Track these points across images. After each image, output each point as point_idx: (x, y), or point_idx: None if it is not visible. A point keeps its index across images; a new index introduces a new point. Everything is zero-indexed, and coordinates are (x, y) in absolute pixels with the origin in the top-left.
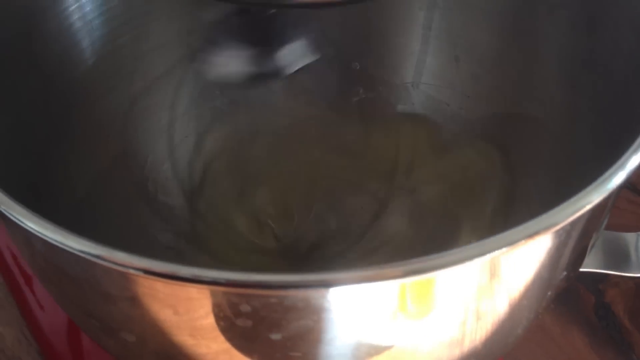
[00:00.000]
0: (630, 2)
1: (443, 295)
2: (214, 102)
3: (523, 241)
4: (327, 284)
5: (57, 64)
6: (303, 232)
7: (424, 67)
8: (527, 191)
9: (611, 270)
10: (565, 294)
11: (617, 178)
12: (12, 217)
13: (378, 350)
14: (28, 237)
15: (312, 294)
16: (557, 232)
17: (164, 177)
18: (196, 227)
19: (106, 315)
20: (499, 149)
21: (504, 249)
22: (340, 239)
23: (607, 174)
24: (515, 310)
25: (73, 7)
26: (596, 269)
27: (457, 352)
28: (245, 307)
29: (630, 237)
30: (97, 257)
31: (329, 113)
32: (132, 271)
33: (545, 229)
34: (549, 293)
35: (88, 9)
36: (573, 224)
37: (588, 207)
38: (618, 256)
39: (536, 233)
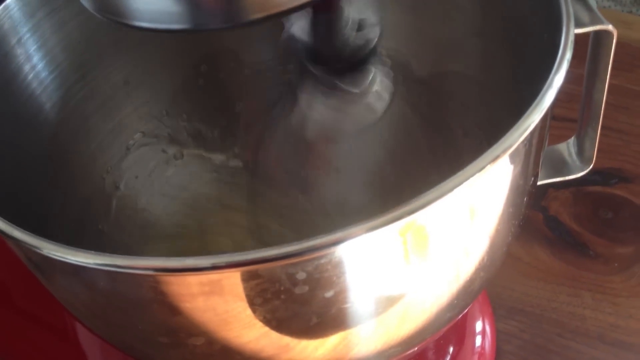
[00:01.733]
0: None
1: (437, 233)
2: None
3: (502, 155)
4: (367, 230)
5: (31, 130)
6: None
7: None
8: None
9: (557, 177)
10: None
11: (550, 95)
12: (76, 262)
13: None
14: (92, 277)
15: (354, 244)
16: (522, 142)
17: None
18: None
19: (175, 327)
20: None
21: (488, 166)
22: None
23: (540, 94)
24: (503, 224)
25: (30, 76)
26: (547, 179)
27: (454, 287)
28: (301, 275)
29: (562, 146)
30: (172, 269)
31: None
32: (204, 272)
33: (516, 138)
34: (526, 199)
35: (43, 75)
36: (532, 132)
37: (538, 118)
38: (557, 165)
39: (509, 147)
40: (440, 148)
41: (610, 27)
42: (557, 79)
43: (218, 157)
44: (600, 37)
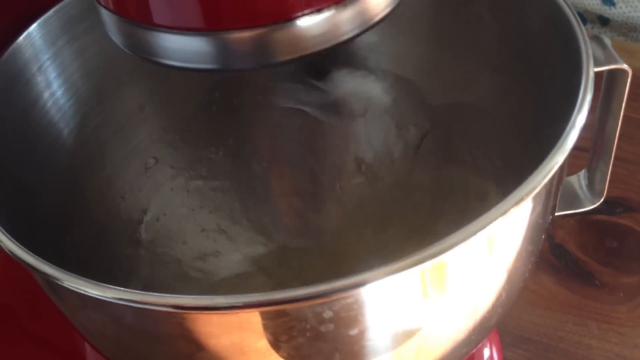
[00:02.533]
0: None
1: (458, 273)
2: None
3: (526, 198)
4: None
5: (49, 156)
6: None
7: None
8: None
9: (567, 210)
10: None
11: (572, 136)
12: (105, 299)
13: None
14: (119, 312)
15: (381, 285)
16: (545, 185)
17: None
18: None
19: None
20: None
21: (512, 209)
22: None
23: (564, 135)
24: (521, 261)
25: (50, 102)
26: (557, 212)
27: (472, 323)
28: (327, 313)
29: (573, 179)
30: (202, 308)
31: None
32: (235, 311)
33: (540, 180)
34: (543, 236)
35: (62, 101)
36: (553, 177)
37: (562, 159)
38: (568, 197)
39: (533, 189)
40: (451, 178)
41: (625, 66)
42: (580, 119)
43: (229, 183)
44: (615, 76)
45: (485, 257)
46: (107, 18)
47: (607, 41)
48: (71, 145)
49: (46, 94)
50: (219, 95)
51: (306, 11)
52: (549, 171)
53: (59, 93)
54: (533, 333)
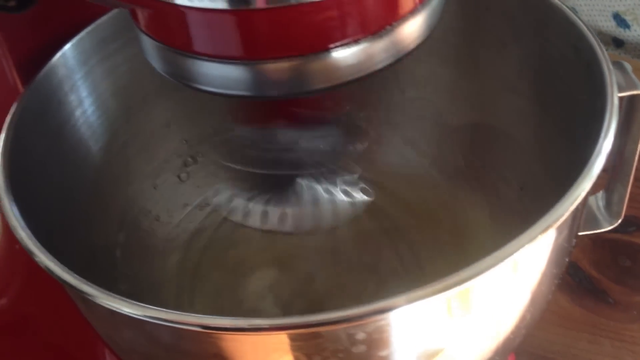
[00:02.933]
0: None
1: (484, 297)
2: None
3: (554, 225)
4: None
5: (78, 173)
6: None
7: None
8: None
9: (587, 230)
10: None
11: (599, 162)
12: (143, 318)
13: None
14: (156, 331)
15: (412, 308)
16: (573, 212)
17: None
18: None
19: None
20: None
21: (539, 236)
22: None
23: (590, 162)
24: (546, 284)
25: (81, 120)
26: (583, 232)
27: (496, 343)
28: (360, 335)
29: (591, 200)
30: (241, 329)
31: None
32: (273, 332)
33: (567, 207)
34: (567, 259)
35: (92, 119)
36: (579, 204)
37: (589, 186)
38: (588, 217)
39: (561, 216)
40: (468, 198)
41: None
42: (606, 145)
43: (249, 204)
44: (635, 101)
45: (512, 281)
46: (148, 44)
47: (628, 66)
48: (99, 162)
49: (78, 112)
50: (241, 115)
51: (341, 42)
52: (577, 198)
53: (89, 111)
54: (548, 351)
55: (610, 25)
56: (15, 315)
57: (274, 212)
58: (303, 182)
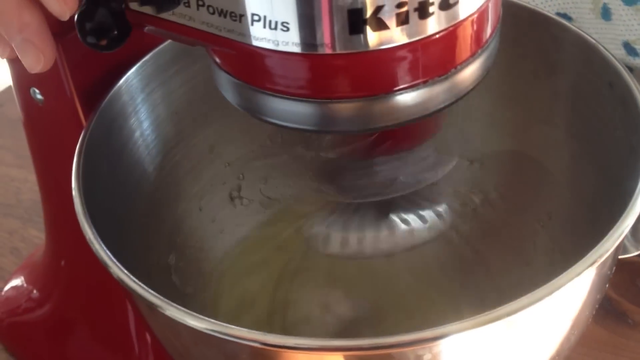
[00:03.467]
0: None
1: (533, 324)
2: None
3: (599, 260)
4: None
5: (135, 193)
6: None
7: None
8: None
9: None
10: None
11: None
12: (226, 338)
13: None
14: (235, 350)
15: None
16: (614, 249)
17: None
18: None
19: None
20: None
21: (586, 271)
22: None
23: (634, 197)
24: (589, 309)
25: (139, 141)
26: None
27: None
28: (427, 356)
29: None
30: (318, 348)
31: None
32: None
33: (612, 245)
34: (607, 285)
35: (149, 140)
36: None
37: (631, 223)
38: None
39: (605, 251)
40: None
41: None
42: None
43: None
44: None
45: (561, 308)
46: (223, 79)
47: None
48: (152, 183)
49: (137, 134)
50: (280, 140)
51: (404, 87)
52: (623, 230)
53: (147, 133)
54: None
55: (620, 53)
56: (58, 320)
57: (352, 237)
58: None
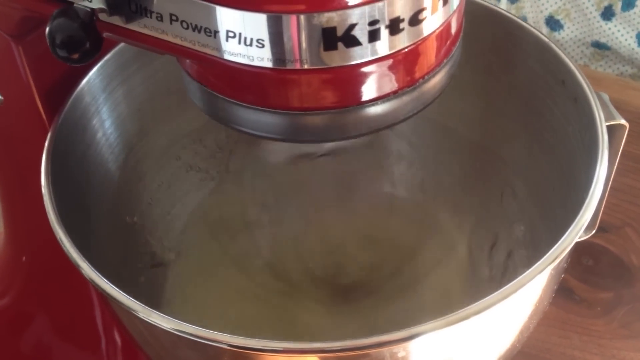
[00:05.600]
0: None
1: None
2: None
3: (561, 255)
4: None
5: (99, 192)
6: None
7: None
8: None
9: None
10: None
11: (598, 190)
12: (209, 343)
13: None
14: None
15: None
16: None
17: None
18: None
19: None
20: None
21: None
22: None
23: (590, 192)
24: (547, 298)
25: (102, 141)
26: None
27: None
28: (401, 353)
29: None
30: (299, 351)
31: None
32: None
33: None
34: (562, 275)
35: (112, 139)
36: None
37: (591, 213)
38: None
39: (563, 250)
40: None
41: (623, 121)
42: (602, 173)
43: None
44: (614, 130)
45: (523, 302)
46: (195, 88)
47: (606, 97)
48: (117, 181)
49: (100, 134)
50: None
51: (375, 97)
52: (583, 224)
53: (109, 131)
54: (523, 345)
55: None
56: (16, 313)
57: None
58: None
